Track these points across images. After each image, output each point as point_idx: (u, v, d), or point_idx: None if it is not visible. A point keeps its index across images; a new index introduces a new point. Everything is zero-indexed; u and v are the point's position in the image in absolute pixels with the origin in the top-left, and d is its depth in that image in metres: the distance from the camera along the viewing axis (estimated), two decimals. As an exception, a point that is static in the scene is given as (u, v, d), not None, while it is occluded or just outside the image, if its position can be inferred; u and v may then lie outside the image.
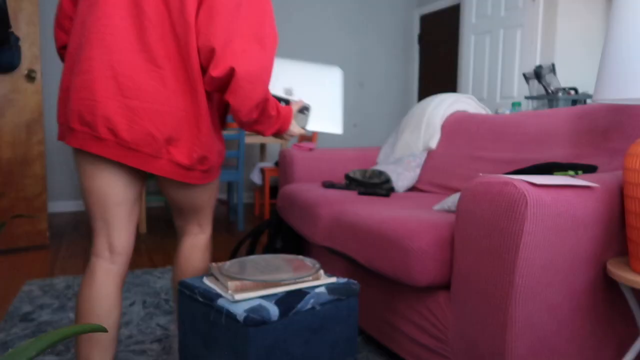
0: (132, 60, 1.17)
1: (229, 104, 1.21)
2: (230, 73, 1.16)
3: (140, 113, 1.17)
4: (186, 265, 1.50)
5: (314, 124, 1.41)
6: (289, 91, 1.44)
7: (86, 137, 1.19)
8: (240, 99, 1.19)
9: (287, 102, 1.41)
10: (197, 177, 1.28)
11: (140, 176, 1.32)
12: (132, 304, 2.20)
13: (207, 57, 1.17)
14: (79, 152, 1.26)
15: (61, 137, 1.26)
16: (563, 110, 1.95)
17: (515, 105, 3.78)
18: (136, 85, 1.17)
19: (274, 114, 1.28)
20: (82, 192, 1.30)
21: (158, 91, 1.18)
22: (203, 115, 1.22)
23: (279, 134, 1.36)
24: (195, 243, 1.50)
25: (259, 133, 1.31)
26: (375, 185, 2.30)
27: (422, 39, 5.74)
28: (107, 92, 1.16)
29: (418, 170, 2.52)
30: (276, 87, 1.44)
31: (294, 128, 1.37)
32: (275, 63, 1.48)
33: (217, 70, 1.15)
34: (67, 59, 1.24)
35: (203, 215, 1.47)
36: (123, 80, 1.16)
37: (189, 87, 1.20)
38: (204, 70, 1.20)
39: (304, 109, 1.41)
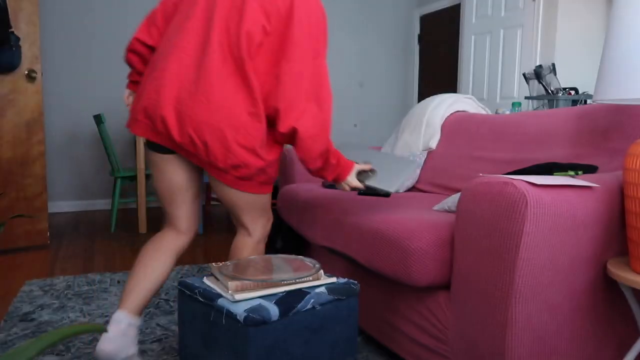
0: (194, 79, 1.44)
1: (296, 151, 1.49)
2: (293, 131, 1.43)
3: (186, 121, 1.42)
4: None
5: (372, 181, 1.62)
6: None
7: (147, 128, 1.49)
8: (303, 152, 1.46)
9: (373, 190, 1.63)
10: (231, 180, 1.50)
11: (198, 167, 1.60)
12: (132, 304, 2.20)
13: (273, 115, 1.45)
14: (149, 148, 1.57)
15: (128, 124, 1.55)
16: (563, 111, 1.95)
17: (516, 105, 3.78)
18: (191, 98, 1.42)
19: (334, 162, 1.53)
20: (154, 182, 1.63)
21: (205, 107, 1.42)
22: (249, 121, 1.45)
23: (337, 180, 1.58)
24: (243, 242, 1.67)
25: (323, 178, 1.58)
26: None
27: (422, 39, 5.74)
28: (169, 99, 1.43)
29: (418, 171, 2.52)
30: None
31: (352, 179, 1.59)
32: (363, 150, 1.82)
33: (282, 128, 1.43)
34: (149, 67, 1.53)
35: (245, 219, 1.63)
36: (183, 93, 1.43)
37: (241, 95, 1.45)
38: (272, 123, 1.48)
39: (371, 171, 1.65)
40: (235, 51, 1.44)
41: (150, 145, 1.56)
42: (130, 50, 1.63)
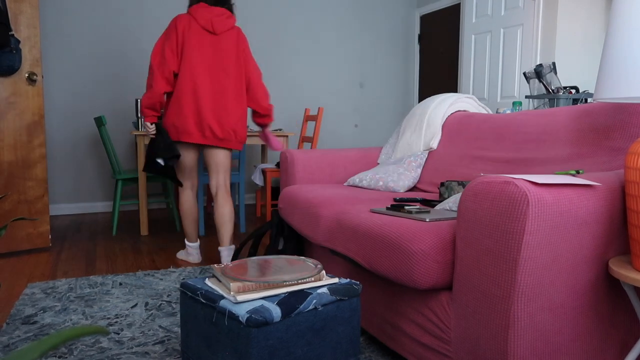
0: (220, 98, 2.73)
1: (263, 113, 2.97)
2: (270, 108, 2.97)
3: (223, 125, 2.73)
4: (222, 211, 2.85)
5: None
6: None
7: (198, 136, 2.71)
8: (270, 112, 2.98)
9: None
10: (235, 144, 2.81)
11: (199, 152, 2.88)
12: (134, 306, 2.20)
13: (260, 105, 2.92)
14: (182, 146, 2.80)
15: (179, 138, 2.71)
16: (564, 109, 1.95)
17: (516, 104, 3.77)
18: (220, 113, 2.73)
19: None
20: (181, 163, 2.83)
21: (231, 108, 2.75)
22: (245, 117, 2.83)
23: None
24: (225, 193, 2.88)
25: (268, 121, 3.02)
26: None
27: (422, 38, 5.74)
28: (209, 116, 2.70)
29: (419, 170, 2.52)
30: None
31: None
32: None
33: (268, 110, 2.96)
34: (185, 93, 2.68)
35: (227, 176, 2.90)
36: (216, 111, 2.72)
37: (242, 104, 2.81)
38: (258, 104, 2.91)
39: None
40: (238, 80, 2.78)
41: (184, 144, 2.80)
42: (159, 102, 2.65)
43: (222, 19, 2.72)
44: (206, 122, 2.66)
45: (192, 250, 2.94)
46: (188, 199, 2.87)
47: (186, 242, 2.95)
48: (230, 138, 2.74)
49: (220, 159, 2.81)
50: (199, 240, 2.98)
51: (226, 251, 2.84)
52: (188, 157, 2.81)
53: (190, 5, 2.75)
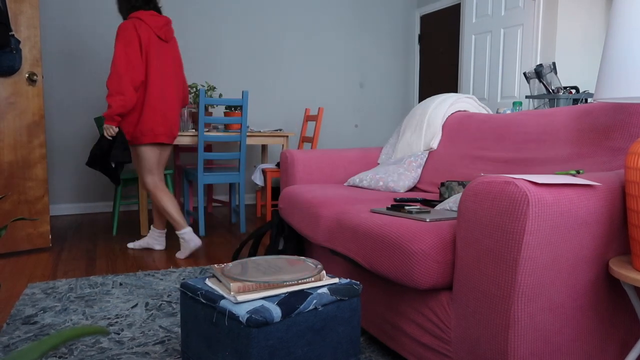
0: (174, 101, 3.06)
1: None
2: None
3: (176, 121, 3.07)
4: (172, 196, 3.09)
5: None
6: None
7: (167, 137, 3.01)
8: None
9: None
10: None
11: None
12: (134, 306, 2.20)
13: (184, 104, 3.27)
14: (156, 146, 3.02)
15: (152, 140, 2.95)
16: (564, 110, 1.95)
17: (517, 104, 3.77)
18: (174, 115, 3.06)
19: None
20: (155, 162, 3.04)
21: (178, 109, 3.09)
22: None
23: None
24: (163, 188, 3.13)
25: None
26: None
27: (422, 38, 5.74)
28: (172, 118, 3.04)
29: (419, 171, 2.52)
30: None
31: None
32: None
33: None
34: (155, 98, 2.93)
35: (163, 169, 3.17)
36: (173, 112, 3.04)
37: (181, 105, 3.19)
38: (184, 104, 3.26)
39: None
40: (181, 83, 3.14)
41: (158, 145, 3.03)
42: (128, 110, 2.85)
43: (169, 28, 3.00)
44: (172, 124, 3.02)
45: (190, 235, 3.02)
46: (167, 190, 3.09)
47: (179, 231, 3.02)
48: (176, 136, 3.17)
49: (168, 154, 3.15)
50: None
51: (189, 234, 3.02)
52: (162, 156, 3.07)
53: (131, 10, 2.94)
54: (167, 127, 2.98)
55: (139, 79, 2.82)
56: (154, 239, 3.22)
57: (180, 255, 3.04)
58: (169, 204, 3.01)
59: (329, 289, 1.35)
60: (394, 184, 2.41)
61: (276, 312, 1.22)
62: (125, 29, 2.80)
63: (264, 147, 4.72)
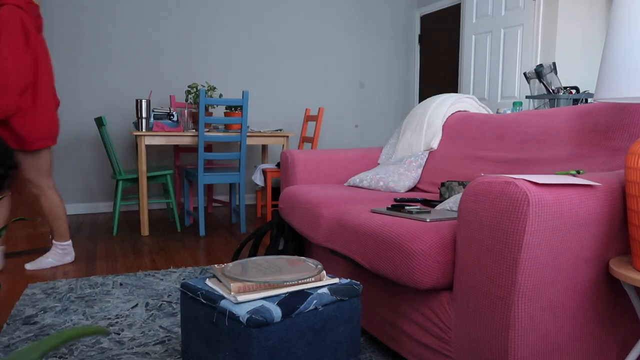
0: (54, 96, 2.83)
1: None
2: None
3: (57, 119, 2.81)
4: (62, 203, 2.85)
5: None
6: None
7: (55, 139, 2.74)
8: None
9: None
10: None
11: None
12: (134, 306, 2.20)
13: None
14: (48, 149, 2.74)
15: (49, 143, 2.70)
16: (564, 110, 1.95)
17: (517, 104, 3.77)
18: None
19: None
20: (46, 163, 2.74)
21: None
22: None
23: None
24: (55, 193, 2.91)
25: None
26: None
27: (422, 39, 5.74)
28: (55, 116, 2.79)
29: (420, 171, 2.52)
30: None
31: None
32: None
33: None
34: (46, 97, 2.65)
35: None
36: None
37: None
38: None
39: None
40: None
41: (49, 148, 2.76)
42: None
43: (41, 18, 2.69)
44: (58, 124, 2.77)
45: (70, 249, 2.90)
46: (59, 198, 2.83)
47: (61, 243, 2.85)
48: None
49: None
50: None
51: (71, 247, 2.90)
52: (51, 159, 2.81)
53: None
54: (57, 128, 2.75)
55: (29, 81, 2.54)
56: (60, 254, 2.89)
57: (34, 266, 2.79)
58: (62, 209, 2.82)
59: (329, 289, 1.35)
60: (394, 184, 2.41)
61: (276, 312, 1.22)
62: (11, 22, 2.45)
63: (264, 147, 4.72)
